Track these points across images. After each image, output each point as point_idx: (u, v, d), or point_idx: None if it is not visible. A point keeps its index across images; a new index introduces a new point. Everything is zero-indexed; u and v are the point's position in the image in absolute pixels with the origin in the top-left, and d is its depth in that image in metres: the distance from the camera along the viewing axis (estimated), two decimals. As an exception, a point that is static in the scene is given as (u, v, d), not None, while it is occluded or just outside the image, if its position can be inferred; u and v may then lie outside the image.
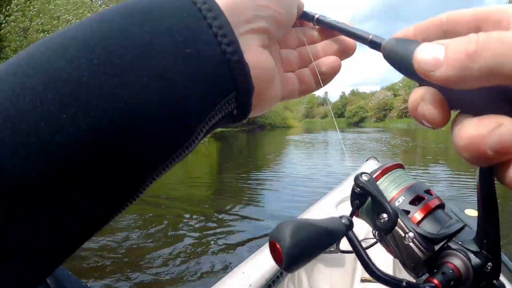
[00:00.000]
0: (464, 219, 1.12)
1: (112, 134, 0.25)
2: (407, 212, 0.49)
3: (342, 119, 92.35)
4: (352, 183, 1.24)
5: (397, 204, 0.49)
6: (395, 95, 73.96)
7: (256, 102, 0.34)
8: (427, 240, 0.46)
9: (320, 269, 1.77)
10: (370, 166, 3.31)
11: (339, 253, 1.21)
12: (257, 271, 1.47)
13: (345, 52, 0.42)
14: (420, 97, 0.28)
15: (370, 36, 0.37)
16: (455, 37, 0.26)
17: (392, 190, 0.51)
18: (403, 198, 0.50)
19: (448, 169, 10.57)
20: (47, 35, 16.00)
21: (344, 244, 1.02)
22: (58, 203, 0.25)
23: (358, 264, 1.60)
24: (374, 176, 0.53)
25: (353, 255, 1.05)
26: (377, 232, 0.52)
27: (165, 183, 7.20)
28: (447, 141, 20.28)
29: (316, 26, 0.43)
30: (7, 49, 15.39)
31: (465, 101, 0.27)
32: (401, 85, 76.07)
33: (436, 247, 0.46)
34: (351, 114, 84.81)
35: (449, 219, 0.49)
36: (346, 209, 2.17)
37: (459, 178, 8.53)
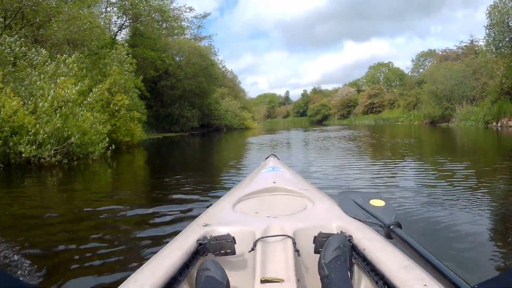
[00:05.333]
0: (367, 208, 2.02)
1: None
2: None
3: (304, 117, 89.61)
4: (249, 182, 2.89)
5: None
6: (358, 91, 70.84)
7: None
8: None
9: None
10: (271, 163, 3.55)
11: (237, 254, 1.70)
12: (150, 279, 1.38)
13: None
14: None
15: None
16: None
17: None
18: None
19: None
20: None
21: None
22: None
23: (258, 264, 1.53)
24: None
25: (252, 254, 1.64)
26: None
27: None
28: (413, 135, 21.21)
29: None
30: None
31: None
32: (364, 80, 73.46)
33: None
34: (314, 112, 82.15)
35: None
36: (243, 209, 2.21)
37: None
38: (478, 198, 4.81)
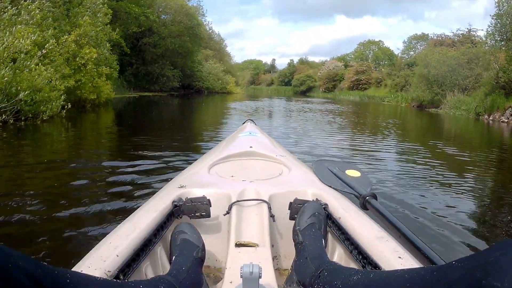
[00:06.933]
0: (343, 177, 1.97)
1: None
2: None
3: (288, 87, 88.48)
4: (226, 146, 2.69)
5: None
6: (346, 66, 69.86)
7: None
8: None
9: None
10: (248, 128, 3.51)
11: (212, 217, 1.63)
12: (124, 240, 1.33)
13: None
14: None
15: None
16: None
17: None
18: None
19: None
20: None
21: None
22: None
23: (233, 228, 1.51)
24: None
25: (227, 218, 1.60)
26: None
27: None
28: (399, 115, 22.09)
29: None
30: None
31: None
32: (353, 56, 72.57)
33: None
34: (299, 83, 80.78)
35: None
36: (219, 172, 2.17)
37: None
38: (458, 183, 4.89)
